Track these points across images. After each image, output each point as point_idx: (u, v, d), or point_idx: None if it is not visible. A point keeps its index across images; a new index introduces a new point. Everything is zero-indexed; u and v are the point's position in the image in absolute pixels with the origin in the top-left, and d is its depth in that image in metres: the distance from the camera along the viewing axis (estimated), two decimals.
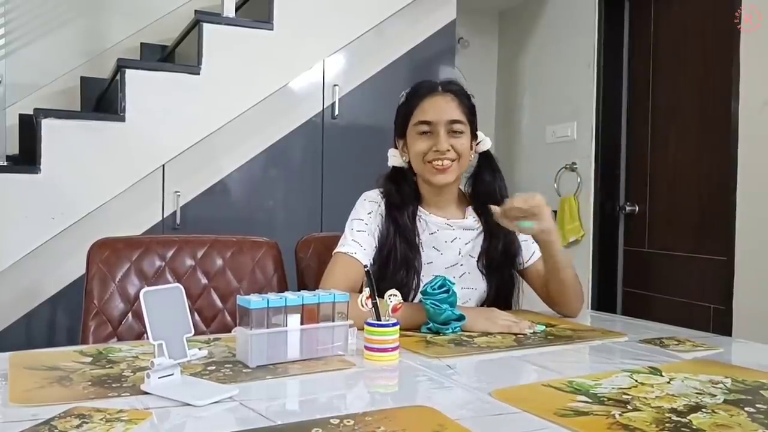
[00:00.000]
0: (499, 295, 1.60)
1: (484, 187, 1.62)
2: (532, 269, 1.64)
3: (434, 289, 1.34)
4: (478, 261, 1.58)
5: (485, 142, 1.62)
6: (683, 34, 3.19)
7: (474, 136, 1.59)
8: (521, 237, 1.65)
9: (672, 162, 3.22)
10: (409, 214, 1.56)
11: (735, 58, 2.78)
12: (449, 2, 3.13)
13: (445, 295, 1.33)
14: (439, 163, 1.52)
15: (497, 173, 1.64)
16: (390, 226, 1.54)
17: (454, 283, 1.36)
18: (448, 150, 1.51)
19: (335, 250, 1.53)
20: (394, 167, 1.64)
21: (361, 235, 1.54)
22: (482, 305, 1.59)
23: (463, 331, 1.34)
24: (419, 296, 1.43)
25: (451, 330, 1.33)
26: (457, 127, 1.54)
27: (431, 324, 1.34)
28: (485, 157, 1.64)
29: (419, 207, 1.60)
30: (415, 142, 1.55)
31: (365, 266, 1.32)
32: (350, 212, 1.60)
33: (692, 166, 3.11)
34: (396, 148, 1.64)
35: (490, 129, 4.22)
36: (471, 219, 1.62)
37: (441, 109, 1.54)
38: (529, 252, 1.65)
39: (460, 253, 1.58)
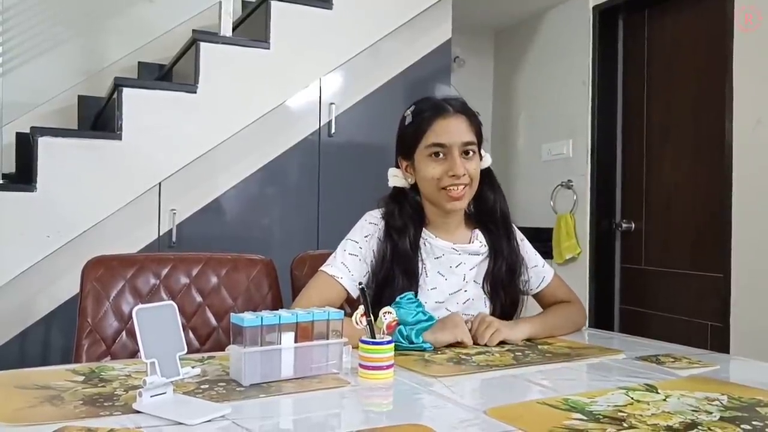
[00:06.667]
0: (503, 319, 1.53)
1: (487, 206, 1.59)
2: (540, 295, 1.65)
3: (403, 299, 1.37)
4: (483, 283, 1.54)
5: (486, 159, 1.58)
6: (677, 52, 3.22)
7: (480, 156, 1.56)
8: (530, 263, 1.62)
9: (667, 179, 3.23)
10: (410, 238, 1.50)
11: (728, 76, 2.80)
12: (445, 21, 3.15)
13: (416, 302, 1.38)
14: (455, 189, 1.47)
15: (498, 190, 1.61)
16: (388, 250, 1.49)
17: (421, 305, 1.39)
18: (464, 174, 1.47)
19: (322, 267, 1.49)
20: (395, 187, 1.58)
21: (352, 259, 1.49)
22: None
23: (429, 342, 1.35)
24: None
25: (420, 343, 1.32)
26: (470, 148, 1.49)
27: (402, 328, 1.32)
28: (485, 174, 1.58)
29: (424, 229, 1.54)
30: (427, 166, 1.49)
31: (360, 284, 1.29)
32: (348, 229, 1.56)
33: (688, 183, 3.12)
34: (398, 167, 1.58)
35: (486, 147, 4.21)
36: (477, 243, 1.56)
37: (455, 131, 1.48)
38: (539, 279, 1.64)
39: (464, 279, 1.53)
